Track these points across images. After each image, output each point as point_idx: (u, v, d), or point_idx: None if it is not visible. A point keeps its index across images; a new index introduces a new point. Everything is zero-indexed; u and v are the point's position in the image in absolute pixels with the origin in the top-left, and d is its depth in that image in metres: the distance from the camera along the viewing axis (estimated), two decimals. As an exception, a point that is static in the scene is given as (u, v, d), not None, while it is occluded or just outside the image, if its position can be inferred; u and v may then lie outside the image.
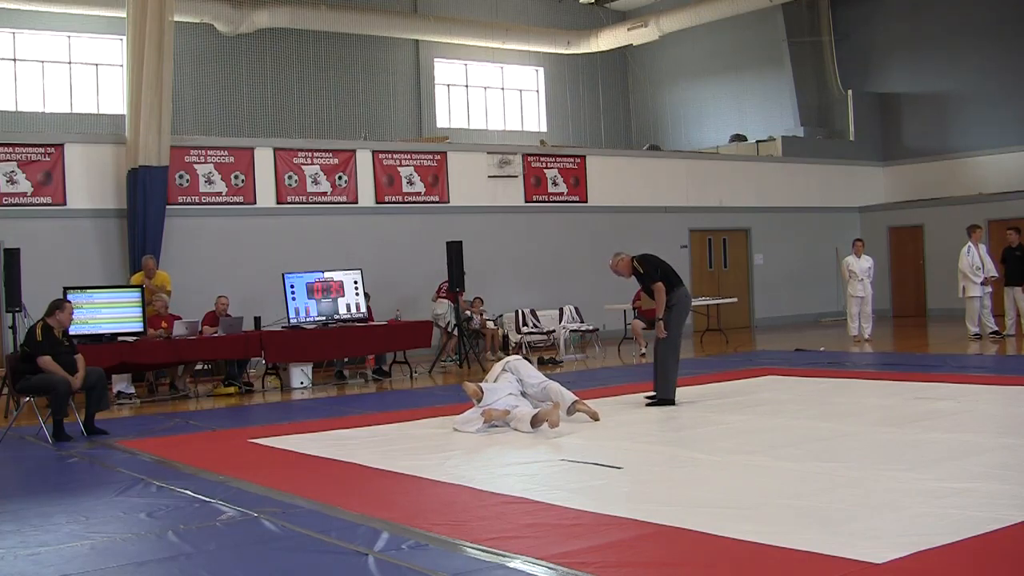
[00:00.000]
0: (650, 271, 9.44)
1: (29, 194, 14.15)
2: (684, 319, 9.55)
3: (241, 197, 15.65)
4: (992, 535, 4.58)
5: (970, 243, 15.62)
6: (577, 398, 8.72)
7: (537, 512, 5.45)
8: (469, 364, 14.76)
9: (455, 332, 15.16)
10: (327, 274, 13.68)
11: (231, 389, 12.51)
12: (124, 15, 14.80)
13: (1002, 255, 15.78)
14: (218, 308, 13.12)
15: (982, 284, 15.44)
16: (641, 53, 25.02)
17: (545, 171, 18.66)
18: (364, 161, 16.75)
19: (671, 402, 9.33)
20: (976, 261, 15.49)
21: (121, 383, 12.26)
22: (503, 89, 24.76)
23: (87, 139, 15.28)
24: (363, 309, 13.80)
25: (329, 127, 21.03)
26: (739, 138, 22.81)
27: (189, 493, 6.37)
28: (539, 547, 4.69)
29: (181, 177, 15.15)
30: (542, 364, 14.94)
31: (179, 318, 12.70)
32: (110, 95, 19.42)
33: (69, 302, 9.72)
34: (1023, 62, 20.40)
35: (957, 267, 15.69)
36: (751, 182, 21.14)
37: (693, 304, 17.87)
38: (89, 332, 11.61)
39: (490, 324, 16.27)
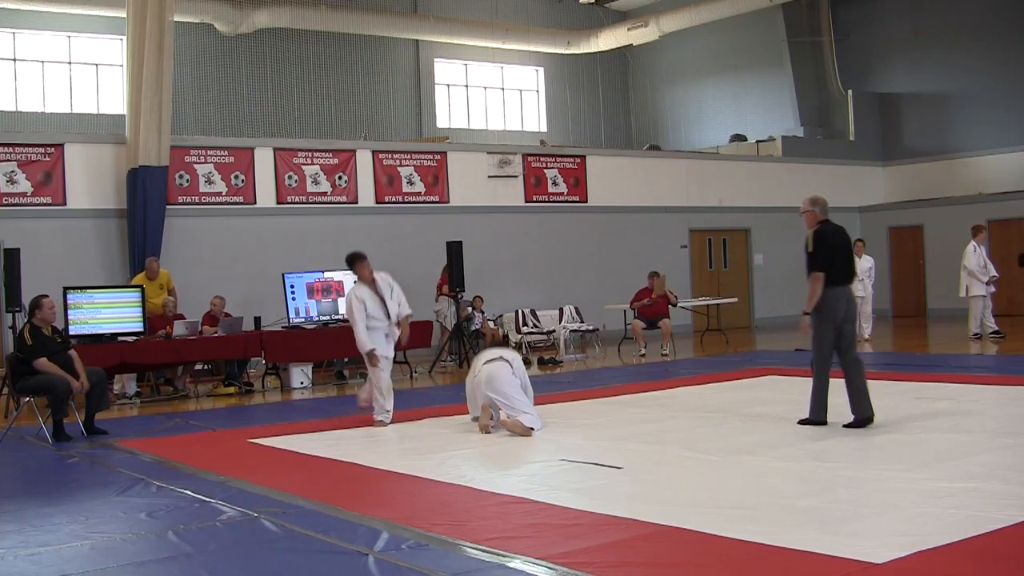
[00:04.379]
0: (815, 256, 7.83)
1: (29, 194, 14.15)
2: (832, 323, 7.80)
3: (241, 197, 15.65)
4: (992, 535, 4.58)
5: (974, 243, 15.60)
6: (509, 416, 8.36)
7: (537, 512, 5.45)
8: (469, 364, 14.73)
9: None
10: (327, 274, 13.68)
11: (231, 389, 12.51)
12: (124, 15, 14.80)
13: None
14: (212, 309, 13.13)
15: (987, 284, 15.43)
16: (641, 53, 25.01)
17: (545, 171, 18.65)
18: (364, 161, 16.75)
19: (822, 422, 7.88)
20: (982, 261, 15.48)
21: (129, 383, 12.27)
22: (503, 89, 24.76)
23: (87, 139, 15.28)
24: (363, 309, 13.77)
25: (329, 127, 21.03)
26: (739, 138, 22.81)
27: (189, 493, 6.37)
28: (539, 547, 4.69)
29: (181, 177, 15.15)
30: (542, 364, 14.96)
31: (181, 318, 12.70)
32: (110, 95, 19.42)
33: (47, 297, 9.45)
34: (1023, 62, 20.39)
35: (961, 266, 15.64)
36: (751, 182, 21.13)
37: (693, 304, 18.13)
38: (89, 332, 11.61)
39: (490, 324, 16.27)
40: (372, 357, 8.98)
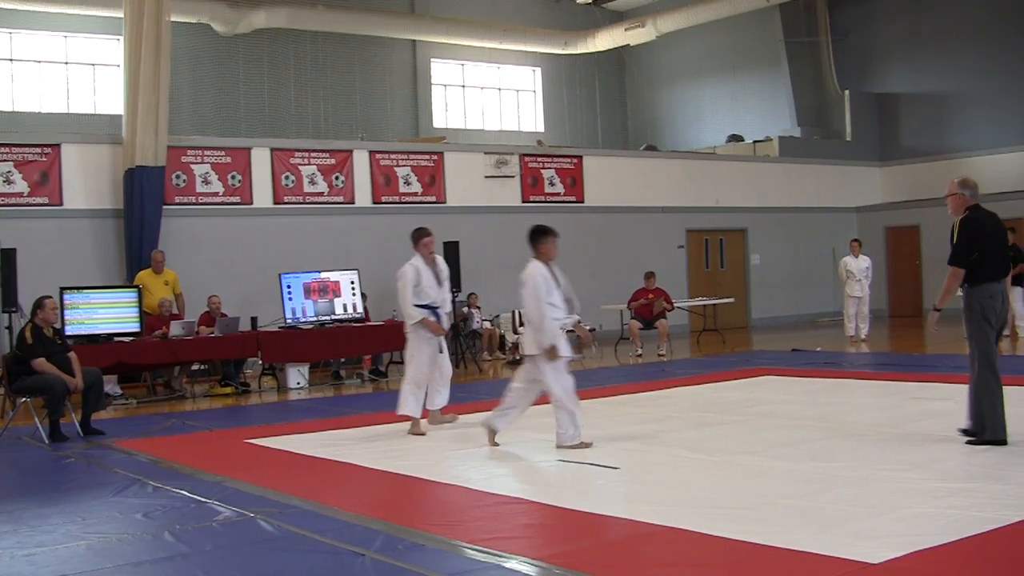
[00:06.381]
0: (957, 247, 7.00)
1: (26, 194, 14.11)
2: (984, 322, 6.83)
3: (238, 197, 15.62)
4: (992, 535, 4.58)
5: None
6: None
7: (535, 512, 5.44)
8: (465, 365, 14.74)
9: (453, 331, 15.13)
10: (324, 274, 13.66)
11: (228, 389, 12.48)
12: (121, 15, 14.77)
13: None
14: (211, 307, 13.11)
15: None
16: (638, 53, 25.01)
17: (542, 171, 18.64)
18: (361, 161, 16.72)
19: (1002, 441, 6.57)
20: None
21: (108, 384, 12.17)
22: (500, 89, 24.74)
23: (84, 139, 15.23)
24: (360, 309, 13.78)
25: (326, 127, 21.00)
26: (736, 138, 22.80)
27: (185, 493, 6.35)
28: (536, 547, 4.69)
29: (178, 177, 15.12)
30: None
31: (178, 318, 12.68)
32: (107, 95, 19.38)
33: (50, 297, 9.52)
34: (1022, 62, 20.40)
35: None
36: (748, 182, 21.13)
37: (690, 305, 18.11)
38: (86, 332, 11.58)
39: (487, 324, 16.26)
40: (552, 352, 7.24)
